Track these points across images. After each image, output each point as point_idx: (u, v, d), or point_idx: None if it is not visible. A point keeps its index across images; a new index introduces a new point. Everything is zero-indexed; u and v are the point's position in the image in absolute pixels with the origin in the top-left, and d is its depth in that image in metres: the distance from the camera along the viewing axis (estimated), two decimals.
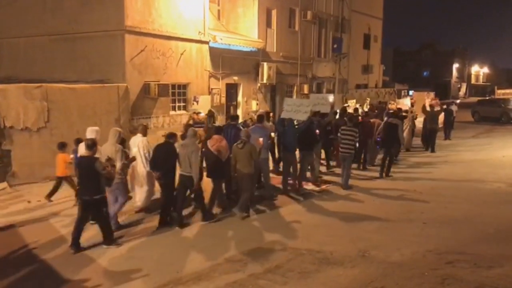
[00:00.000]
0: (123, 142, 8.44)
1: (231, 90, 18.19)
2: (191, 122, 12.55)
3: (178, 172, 8.55)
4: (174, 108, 15.45)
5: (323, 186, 11.51)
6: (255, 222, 8.78)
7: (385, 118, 13.41)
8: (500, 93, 36.77)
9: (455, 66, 67.07)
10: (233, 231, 8.29)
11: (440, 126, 18.36)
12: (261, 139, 9.73)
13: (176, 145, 8.59)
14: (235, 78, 17.92)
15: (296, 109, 11.98)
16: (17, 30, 15.60)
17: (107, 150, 7.87)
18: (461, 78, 69.71)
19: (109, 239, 7.37)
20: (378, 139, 13.87)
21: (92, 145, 7.15)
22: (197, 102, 16.00)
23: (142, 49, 13.73)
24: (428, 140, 17.19)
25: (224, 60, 17.10)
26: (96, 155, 7.25)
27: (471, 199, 10.38)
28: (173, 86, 15.28)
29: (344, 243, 7.50)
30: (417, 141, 18.27)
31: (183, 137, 9.04)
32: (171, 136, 8.59)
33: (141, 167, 8.86)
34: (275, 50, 20.42)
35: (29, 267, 6.68)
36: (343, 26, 26.23)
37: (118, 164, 7.77)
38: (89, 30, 13.85)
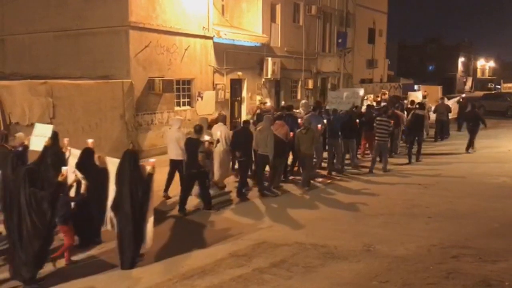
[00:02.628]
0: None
1: (236, 86, 18.17)
2: (258, 111, 14.01)
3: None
4: (178, 104, 15.44)
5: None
6: (260, 213, 8.80)
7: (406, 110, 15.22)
8: (506, 87, 36.50)
9: (461, 60, 66.50)
10: (236, 222, 8.33)
11: (453, 117, 19.87)
12: (319, 125, 11.31)
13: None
14: (240, 73, 17.90)
15: (340, 101, 13.51)
16: (22, 26, 15.64)
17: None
18: (466, 72, 69.15)
19: (208, 204, 9.00)
20: (405, 129, 14.93)
21: (200, 129, 8.98)
22: (202, 97, 16.01)
23: (146, 45, 13.74)
24: (439, 130, 18.20)
25: (228, 56, 17.08)
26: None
27: (476, 193, 10.35)
28: (178, 81, 15.27)
29: (348, 237, 7.51)
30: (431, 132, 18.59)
31: (254, 123, 11.07)
32: (247, 122, 10.80)
33: (220, 148, 10.12)
34: (279, 45, 20.36)
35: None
36: (347, 21, 26.11)
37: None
38: (93, 26, 13.87)
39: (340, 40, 25.34)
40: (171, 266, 6.53)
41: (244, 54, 17.85)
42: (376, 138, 12.62)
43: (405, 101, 18.87)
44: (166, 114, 14.65)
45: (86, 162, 6.73)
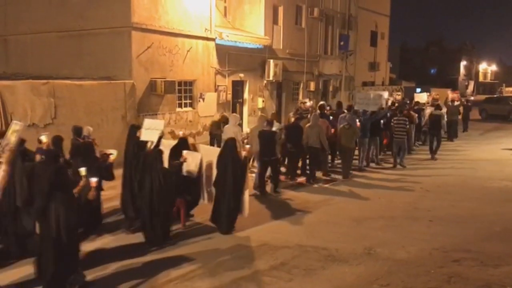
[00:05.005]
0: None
1: (237, 87, 18.15)
2: (300, 111, 14.88)
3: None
4: (180, 105, 15.43)
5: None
6: (263, 214, 8.79)
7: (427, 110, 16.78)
8: (508, 90, 36.47)
9: (463, 63, 66.43)
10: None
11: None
12: (358, 123, 12.50)
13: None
14: (241, 75, 17.89)
15: (367, 102, 13.99)
16: (25, 26, 15.65)
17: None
18: (468, 75, 69.05)
19: (277, 186, 10.39)
20: (425, 129, 16.32)
21: (271, 122, 10.39)
22: (203, 99, 16.00)
23: (148, 46, 13.74)
24: (448, 130, 18.73)
25: (230, 57, 17.08)
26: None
27: (478, 197, 10.34)
28: (179, 83, 15.26)
29: (349, 240, 7.50)
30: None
31: (298, 119, 11.95)
32: (299, 119, 11.96)
33: None
34: (281, 47, 20.35)
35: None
36: (350, 23, 26.08)
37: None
38: (96, 27, 13.87)
39: (342, 43, 25.32)
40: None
41: (246, 56, 17.85)
42: (394, 136, 13.53)
43: (408, 102, 19.40)
44: (167, 115, 14.64)
45: (183, 149, 7.95)
